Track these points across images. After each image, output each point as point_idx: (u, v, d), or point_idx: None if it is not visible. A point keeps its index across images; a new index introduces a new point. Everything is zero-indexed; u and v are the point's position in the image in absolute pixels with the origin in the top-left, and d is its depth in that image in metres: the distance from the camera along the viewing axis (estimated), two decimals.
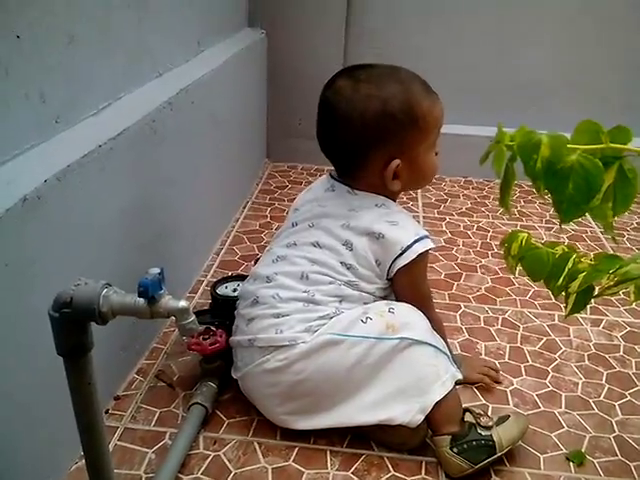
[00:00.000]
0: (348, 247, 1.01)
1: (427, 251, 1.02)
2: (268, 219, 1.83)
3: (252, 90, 1.99)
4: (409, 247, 1.00)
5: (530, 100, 2.08)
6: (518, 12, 2.05)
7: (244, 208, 1.89)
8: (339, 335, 0.96)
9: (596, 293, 0.76)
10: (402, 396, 0.97)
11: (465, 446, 0.95)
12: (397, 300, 1.06)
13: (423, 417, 0.96)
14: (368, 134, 0.99)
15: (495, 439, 0.96)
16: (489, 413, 1.04)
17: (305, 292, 1.00)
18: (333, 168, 1.10)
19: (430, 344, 0.99)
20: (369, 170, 1.03)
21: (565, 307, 0.74)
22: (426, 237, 1.03)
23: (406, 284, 1.04)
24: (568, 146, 0.58)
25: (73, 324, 0.64)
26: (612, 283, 0.76)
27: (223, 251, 1.63)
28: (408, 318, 1.00)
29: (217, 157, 1.59)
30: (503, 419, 1.00)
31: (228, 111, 1.67)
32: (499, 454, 0.96)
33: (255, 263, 1.33)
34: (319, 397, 0.99)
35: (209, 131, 1.50)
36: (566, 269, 0.76)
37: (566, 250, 0.76)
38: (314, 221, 1.06)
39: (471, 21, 2.08)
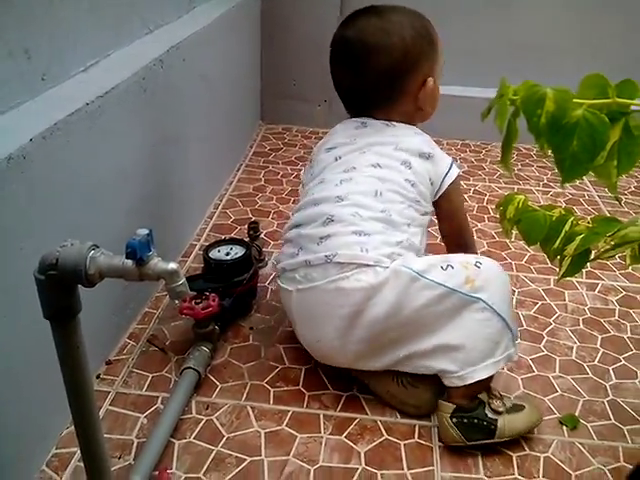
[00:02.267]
0: (407, 166, 1.03)
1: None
2: (262, 182, 1.80)
3: (245, 50, 1.94)
4: (451, 167, 1.07)
5: (531, 61, 2.02)
6: None
7: (237, 171, 1.86)
8: (416, 273, 0.93)
9: (593, 257, 0.74)
10: (456, 354, 0.94)
11: (466, 421, 0.94)
12: (441, 230, 1.14)
13: (461, 384, 0.95)
14: (409, 57, 1.04)
15: (499, 425, 0.94)
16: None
17: (382, 211, 0.97)
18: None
19: (503, 318, 0.94)
20: (405, 96, 1.07)
21: (559, 270, 0.73)
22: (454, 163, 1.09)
23: (452, 209, 1.09)
24: (574, 100, 0.56)
25: (59, 286, 0.62)
26: (609, 246, 0.75)
27: (216, 214, 1.60)
28: (491, 279, 0.95)
29: (209, 118, 1.55)
30: (517, 408, 0.97)
31: (220, 71, 1.63)
32: (496, 440, 0.95)
33: (251, 227, 1.31)
34: (382, 330, 0.94)
35: (201, 91, 1.46)
36: (563, 232, 0.75)
37: (563, 213, 0.75)
38: (364, 149, 1.05)
39: None
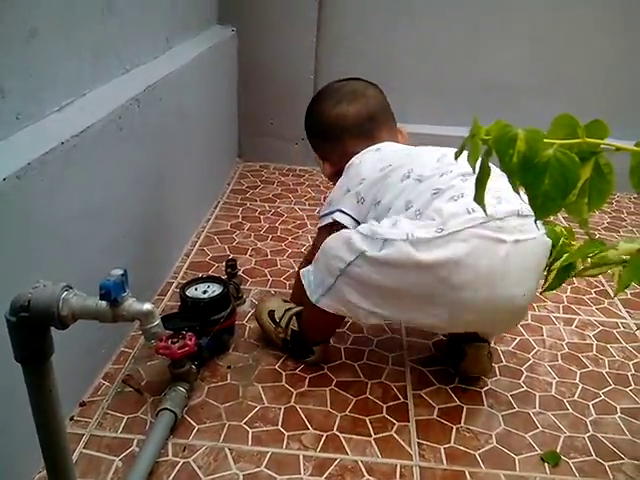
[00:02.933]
0: None
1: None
2: (240, 219, 1.80)
3: (222, 88, 1.96)
4: None
5: (503, 100, 2.07)
6: (488, 13, 2.05)
7: (215, 208, 1.86)
8: None
9: (574, 273, 0.83)
10: None
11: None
12: None
13: None
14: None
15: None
16: (463, 414, 1.04)
17: None
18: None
19: None
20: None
21: (544, 284, 0.82)
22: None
23: None
24: (545, 141, 0.57)
25: (32, 329, 0.61)
26: (589, 265, 0.80)
27: (194, 252, 1.59)
28: None
29: (186, 156, 1.55)
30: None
31: (198, 109, 1.64)
32: None
33: (228, 265, 1.31)
34: None
35: (178, 129, 1.47)
36: (554, 251, 0.82)
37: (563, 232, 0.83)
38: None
39: (441, 22, 2.06)
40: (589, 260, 0.75)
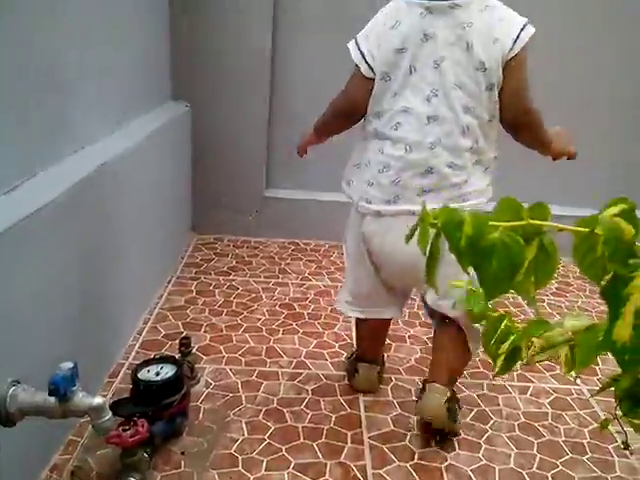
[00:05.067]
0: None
1: None
2: (194, 294, 1.78)
3: (176, 162, 1.97)
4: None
5: None
6: None
7: (168, 283, 1.83)
8: None
9: (525, 362, 0.79)
10: None
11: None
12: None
13: None
14: None
15: None
16: None
17: None
18: None
19: None
20: None
21: (495, 368, 0.77)
22: None
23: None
24: (490, 224, 0.59)
25: None
26: (538, 350, 0.79)
27: (146, 330, 1.56)
28: None
29: (139, 232, 1.54)
30: None
31: (152, 185, 1.64)
32: None
33: (182, 344, 1.28)
34: None
35: (131, 206, 1.46)
36: (499, 331, 0.79)
37: (502, 314, 0.80)
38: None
39: None
40: (535, 342, 0.75)
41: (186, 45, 2.00)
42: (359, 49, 1.13)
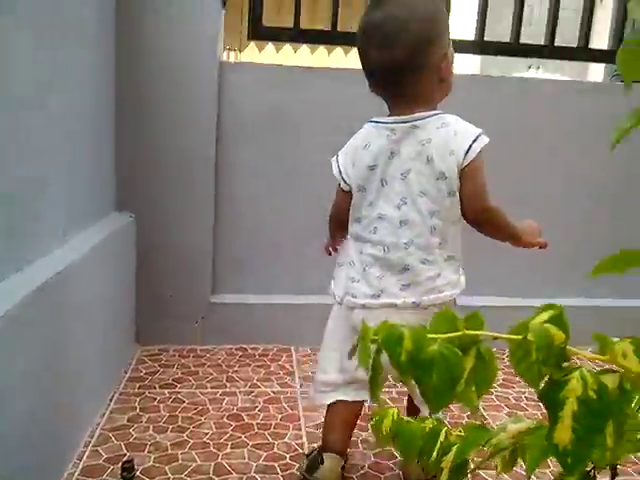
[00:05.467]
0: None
1: None
2: (137, 411, 1.71)
3: (120, 274, 1.95)
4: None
5: None
6: None
7: (110, 401, 1.76)
8: None
9: (472, 467, 0.78)
10: None
11: None
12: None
13: None
14: (434, 27, 1.19)
15: None
16: None
17: None
18: None
19: None
20: (430, 68, 1.20)
21: None
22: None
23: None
24: (429, 337, 0.61)
25: None
26: (487, 457, 0.79)
27: (87, 454, 1.48)
28: None
29: (80, 348, 1.49)
30: None
31: (95, 297, 1.61)
32: None
33: (124, 468, 1.23)
34: None
35: (73, 322, 1.42)
36: (438, 443, 0.78)
37: (435, 423, 0.78)
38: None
39: None
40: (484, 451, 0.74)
41: (131, 156, 2.03)
42: (338, 166, 1.33)
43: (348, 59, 4.90)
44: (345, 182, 1.31)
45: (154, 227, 2.10)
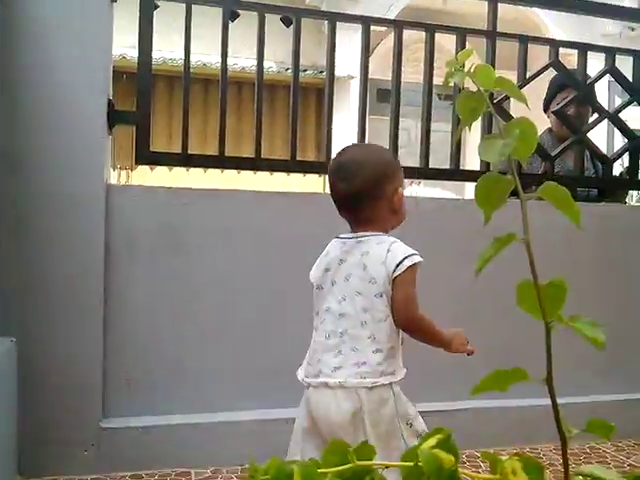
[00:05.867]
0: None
1: None
2: None
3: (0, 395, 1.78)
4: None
5: (293, 380, 2.15)
6: (264, 302, 2.21)
7: None
8: None
9: None
10: None
11: None
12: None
13: None
14: (388, 169, 1.53)
15: None
16: None
17: None
18: None
19: None
20: (384, 199, 1.50)
21: None
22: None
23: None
24: (319, 471, 0.60)
25: None
26: None
27: None
28: None
29: None
30: None
31: None
32: None
33: None
34: None
35: None
36: None
37: None
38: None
39: (231, 309, 2.18)
40: None
41: (13, 276, 1.95)
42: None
43: (240, 178, 5.03)
44: (312, 281, 1.57)
45: (38, 348, 1.98)
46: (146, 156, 2.07)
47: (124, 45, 6.32)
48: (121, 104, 2.13)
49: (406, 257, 1.44)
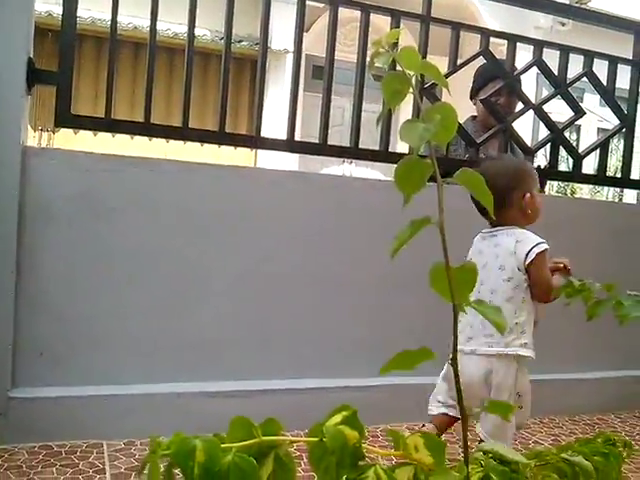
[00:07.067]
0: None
1: None
2: None
3: None
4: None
5: (210, 354, 2.14)
6: (185, 275, 2.17)
7: None
8: None
9: None
10: None
11: None
12: None
13: None
14: (512, 178, 1.84)
15: None
16: None
17: None
18: None
19: None
20: (513, 204, 1.81)
21: None
22: None
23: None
24: (223, 446, 0.59)
25: None
26: None
27: None
28: None
29: None
30: None
31: None
32: None
33: None
34: None
35: None
36: None
37: None
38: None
39: (142, 285, 2.12)
40: None
41: None
42: None
43: (171, 149, 4.91)
44: None
45: None
46: (67, 119, 1.98)
47: (51, 2, 6.03)
48: (47, 64, 2.03)
49: (534, 246, 1.73)
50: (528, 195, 1.82)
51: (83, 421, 2.03)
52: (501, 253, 1.78)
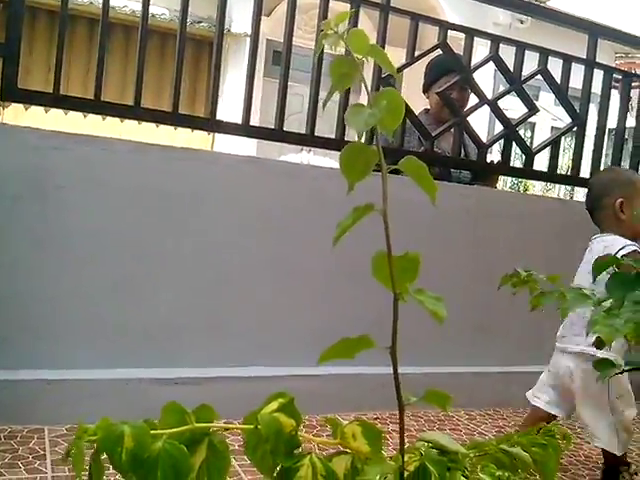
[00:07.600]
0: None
1: None
2: None
3: None
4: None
5: (160, 340, 2.10)
6: (138, 261, 2.12)
7: None
8: None
9: None
10: None
11: None
12: None
13: None
14: (604, 188, 1.97)
15: None
16: None
17: None
18: None
19: None
20: (607, 208, 1.91)
21: None
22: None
23: None
24: (153, 433, 0.58)
25: None
26: None
27: None
28: None
29: None
30: None
31: None
32: None
33: None
34: None
35: None
36: None
37: None
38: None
39: (100, 268, 2.06)
40: None
41: None
42: None
43: (124, 127, 4.80)
44: None
45: None
46: (13, 93, 1.90)
47: None
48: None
49: (620, 249, 1.78)
50: (619, 201, 1.89)
51: (23, 406, 1.97)
52: (591, 259, 1.82)
